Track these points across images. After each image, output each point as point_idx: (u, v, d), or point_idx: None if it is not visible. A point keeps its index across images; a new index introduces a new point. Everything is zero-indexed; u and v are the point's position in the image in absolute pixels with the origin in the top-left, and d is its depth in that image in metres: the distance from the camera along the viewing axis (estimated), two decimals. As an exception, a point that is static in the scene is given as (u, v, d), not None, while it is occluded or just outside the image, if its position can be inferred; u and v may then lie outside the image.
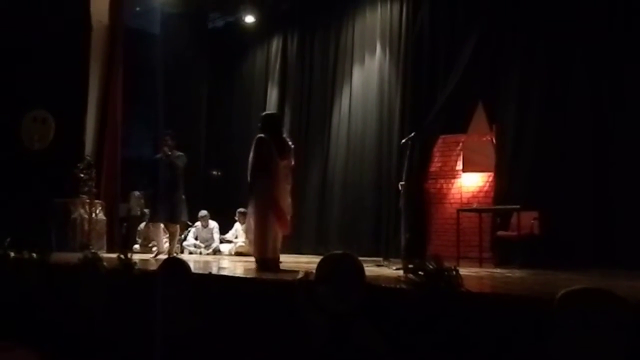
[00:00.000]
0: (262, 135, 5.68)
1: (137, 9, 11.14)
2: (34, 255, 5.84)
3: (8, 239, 6.63)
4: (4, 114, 9.28)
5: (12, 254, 6.34)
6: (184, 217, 8.04)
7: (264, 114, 6.10)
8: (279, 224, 5.57)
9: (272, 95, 11.29)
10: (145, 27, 11.39)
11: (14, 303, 5.84)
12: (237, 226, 9.67)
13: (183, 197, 7.84)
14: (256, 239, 5.61)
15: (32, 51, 9.34)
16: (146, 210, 9.05)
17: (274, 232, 5.55)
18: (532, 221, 7.11)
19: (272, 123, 5.86)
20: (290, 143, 5.86)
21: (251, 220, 5.71)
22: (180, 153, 7.88)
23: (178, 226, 8.02)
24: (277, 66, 11.29)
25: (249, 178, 5.69)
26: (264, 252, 5.55)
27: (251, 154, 5.67)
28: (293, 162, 5.83)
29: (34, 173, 8.87)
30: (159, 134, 8.06)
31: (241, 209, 9.60)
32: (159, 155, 7.88)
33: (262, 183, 5.54)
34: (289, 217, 5.67)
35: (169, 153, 7.75)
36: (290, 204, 5.74)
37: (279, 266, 5.52)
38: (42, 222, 8.48)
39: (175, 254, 8.05)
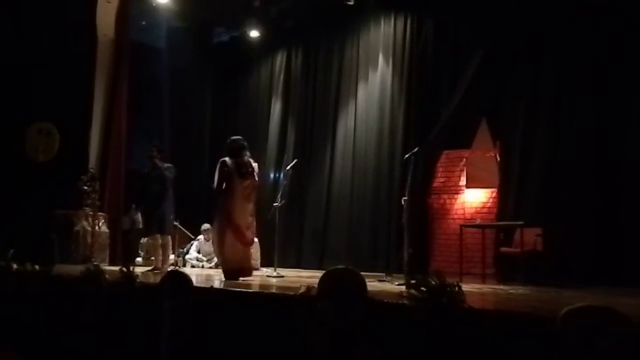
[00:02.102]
0: (224, 158, 6.24)
1: (143, 23, 11.23)
2: (37, 267, 5.84)
3: (11, 251, 6.64)
4: (9, 126, 9.31)
5: (15, 266, 6.34)
6: (171, 227, 7.97)
7: (229, 139, 6.60)
8: (237, 238, 6.12)
9: (276, 109, 11.34)
10: (150, 41, 11.47)
11: (16, 314, 5.83)
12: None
13: (172, 208, 7.83)
14: (219, 252, 6.34)
15: (38, 64, 9.39)
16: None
17: (233, 245, 6.11)
18: (536, 238, 7.09)
19: (236, 147, 6.38)
20: (254, 165, 6.40)
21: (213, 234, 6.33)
22: (169, 165, 7.80)
23: (169, 237, 7.92)
24: (281, 81, 11.35)
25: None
26: (225, 263, 6.19)
27: (215, 175, 6.24)
28: (257, 181, 6.43)
29: (38, 185, 8.88)
30: (157, 148, 8.01)
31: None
32: (147, 169, 7.87)
33: (221, 201, 6.18)
34: (248, 231, 6.22)
35: (159, 165, 7.70)
36: (252, 219, 6.33)
37: (244, 274, 6.11)
38: (45, 234, 8.48)
39: (177, 267, 8.04)
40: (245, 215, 6.22)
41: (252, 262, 9.14)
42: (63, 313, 5.02)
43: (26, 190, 8.83)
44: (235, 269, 6.07)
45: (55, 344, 4.91)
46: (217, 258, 6.54)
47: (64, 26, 9.37)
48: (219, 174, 6.19)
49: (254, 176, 6.34)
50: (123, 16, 10.13)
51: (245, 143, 6.53)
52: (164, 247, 7.85)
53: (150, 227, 7.87)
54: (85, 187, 8.75)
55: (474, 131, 8.45)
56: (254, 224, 6.43)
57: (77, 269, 5.57)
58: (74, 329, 4.64)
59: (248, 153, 6.46)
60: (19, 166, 9.26)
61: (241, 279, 5.98)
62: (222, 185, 6.15)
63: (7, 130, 9.29)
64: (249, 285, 5.53)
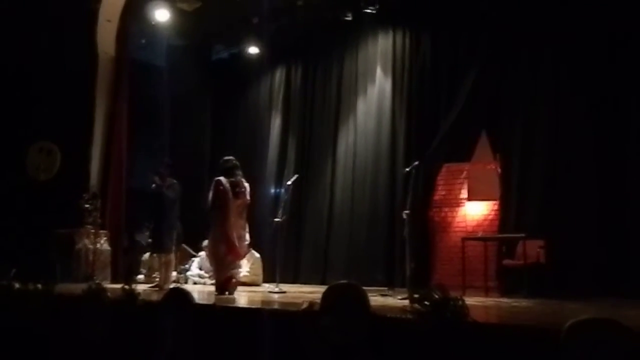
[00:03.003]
0: (218, 178, 6.57)
1: (143, 41, 11.30)
2: (39, 286, 5.82)
3: (13, 270, 6.63)
4: (10, 145, 9.34)
5: (17, 285, 6.33)
6: (170, 246, 7.81)
7: (222, 159, 6.92)
8: (230, 253, 6.45)
9: (275, 125, 11.37)
10: (150, 59, 11.54)
11: (18, 334, 5.81)
12: (242, 256, 9.62)
13: (174, 226, 7.77)
14: (214, 267, 6.71)
15: (39, 82, 9.45)
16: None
17: (227, 260, 6.45)
18: (538, 250, 7.06)
19: (228, 167, 6.71)
20: (245, 184, 6.71)
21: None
22: (174, 182, 7.74)
23: (171, 256, 7.80)
24: (281, 96, 11.39)
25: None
26: (218, 277, 6.56)
27: (209, 194, 6.54)
28: (249, 200, 6.74)
29: (39, 204, 8.89)
30: (164, 163, 8.01)
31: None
32: (153, 186, 7.86)
33: (215, 218, 6.50)
34: (242, 247, 6.57)
35: (160, 183, 7.66)
36: (245, 235, 6.67)
37: (234, 288, 6.51)
38: (47, 252, 8.46)
39: (178, 284, 8.02)
40: (238, 230, 6.54)
41: (255, 277, 9.19)
42: (65, 332, 5.00)
43: (27, 209, 8.84)
44: (227, 282, 6.44)
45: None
46: (212, 272, 6.99)
47: (64, 45, 9.43)
48: (214, 192, 6.49)
49: (245, 195, 6.68)
50: (123, 34, 10.20)
51: (238, 163, 6.82)
52: (164, 265, 7.79)
53: (151, 244, 7.85)
54: (87, 206, 8.76)
55: (474, 144, 8.46)
56: (247, 238, 6.75)
57: (79, 287, 5.55)
58: (76, 347, 4.62)
59: (240, 172, 6.76)
60: (20, 185, 9.28)
61: (227, 292, 6.38)
62: (217, 204, 6.45)
63: (8, 149, 9.32)
64: (251, 301, 5.52)
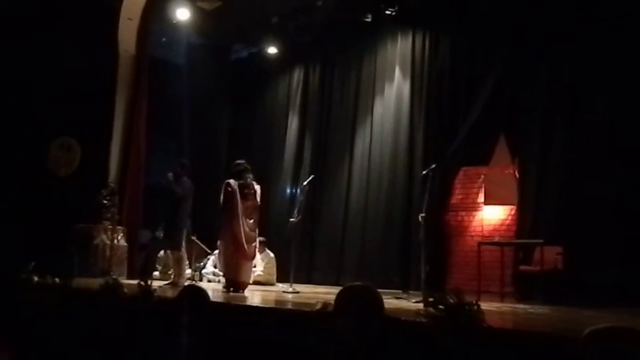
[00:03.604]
0: (228, 180, 6.82)
1: (163, 39, 11.40)
2: (57, 279, 5.89)
3: (32, 264, 6.72)
4: (31, 141, 9.46)
5: (36, 278, 6.41)
6: (178, 242, 7.81)
7: (234, 162, 7.22)
8: (239, 253, 6.67)
9: (293, 125, 11.39)
10: (169, 57, 11.63)
11: (36, 327, 5.88)
12: (257, 255, 9.64)
13: (184, 223, 7.76)
14: (225, 267, 6.90)
15: (60, 79, 9.55)
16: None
17: (236, 259, 6.69)
18: (556, 256, 6.99)
19: (239, 170, 6.95)
20: (256, 186, 6.97)
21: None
22: (185, 180, 7.76)
23: (182, 252, 7.79)
24: (299, 97, 11.42)
25: None
26: (229, 275, 6.80)
27: (221, 196, 6.78)
28: (259, 202, 7.01)
29: (58, 199, 8.98)
30: (181, 162, 8.07)
31: (260, 238, 9.56)
32: (163, 182, 7.92)
33: (225, 219, 6.76)
34: (250, 247, 6.78)
35: (171, 180, 7.72)
36: (255, 236, 6.93)
37: (244, 287, 6.73)
38: (65, 247, 8.55)
39: (193, 282, 8.06)
40: (248, 232, 6.79)
41: (269, 277, 9.21)
42: (81, 326, 5.05)
43: (47, 204, 8.94)
44: (237, 281, 6.69)
45: (74, 356, 4.94)
46: (222, 271, 7.16)
47: (86, 42, 9.52)
48: (224, 194, 6.76)
49: (255, 197, 6.94)
50: (144, 33, 10.28)
51: (249, 166, 7.06)
52: (175, 262, 7.84)
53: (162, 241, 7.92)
54: (105, 201, 8.84)
55: (492, 148, 8.39)
56: (256, 239, 7.04)
57: (96, 282, 5.62)
58: (92, 341, 4.66)
59: (251, 175, 7.00)
60: (41, 180, 9.38)
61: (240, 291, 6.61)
62: (227, 205, 6.70)
63: (30, 145, 9.43)
64: (265, 301, 5.53)
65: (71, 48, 9.53)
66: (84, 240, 8.84)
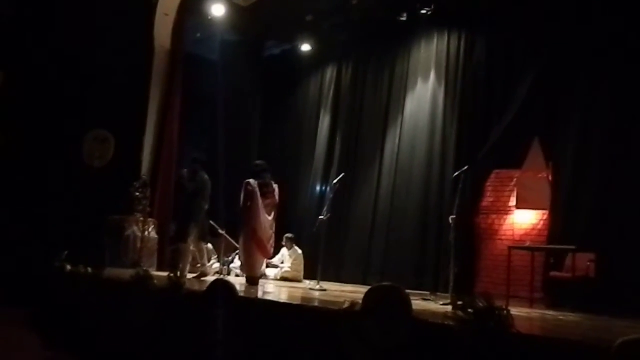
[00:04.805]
0: (249, 180, 7.09)
1: (198, 35, 11.51)
2: (89, 269, 6.02)
3: (65, 253, 6.88)
4: (68, 133, 9.66)
5: (69, 267, 6.55)
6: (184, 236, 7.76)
7: (254, 162, 7.64)
8: (259, 250, 7.05)
9: (324, 122, 11.40)
10: (204, 53, 11.74)
11: (68, 315, 6.01)
12: (284, 251, 9.70)
13: (195, 218, 7.71)
14: (244, 261, 7.23)
15: (96, 73, 9.74)
16: None
17: (257, 256, 7.08)
18: (588, 263, 6.85)
19: (259, 170, 7.30)
20: (274, 186, 7.32)
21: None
22: (203, 176, 7.73)
23: (185, 246, 7.66)
24: (331, 94, 11.41)
25: None
26: (250, 271, 7.12)
27: (241, 194, 7.07)
28: (277, 200, 7.33)
29: (92, 190, 9.17)
30: (194, 158, 8.18)
31: (288, 235, 9.64)
32: (177, 177, 8.10)
33: (245, 217, 7.05)
34: (268, 244, 7.17)
35: (184, 176, 7.82)
36: (272, 234, 7.27)
37: (257, 282, 7.10)
38: (98, 237, 8.72)
39: (222, 276, 8.13)
40: (267, 229, 7.15)
41: (296, 273, 9.25)
42: (111, 315, 5.15)
43: (82, 194, 9.13)
44: (257, 277, 7.11)
45: (102, 344, 5.03)
46: (243, 266, 7.45)
47: (122, 37, 9.68)
48: (244, 193, 7.04)
49: (274, 196, 7.28)
50: (179, 28, 10.41)
51: (268, 166, 7.43)
52: (180, 255, 7.74)
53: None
54: (137, 194, 8.99)
55: (525, 151, 8.26)
56: (274, 237, 7.39)
57: (127, 273, 5.71)
58: (121, 331, 4.75)
59: (270, 175, 7.34)
60: (76, 171, 9.59)
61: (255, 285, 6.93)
62: (247, 203, 6.99)
63: (66, 137, 9.64)
64: (292, 298, 5.55)
65: (107, 42, 9.69)
66: (116, 231, 9.00)
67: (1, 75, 9.44)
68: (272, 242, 7.31)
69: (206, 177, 7.80)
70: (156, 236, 9.35)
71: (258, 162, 7.60)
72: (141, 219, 8.99)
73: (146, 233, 8.98)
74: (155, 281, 4.78)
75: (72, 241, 7.53)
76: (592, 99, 7.65)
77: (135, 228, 9.05)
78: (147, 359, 4.21)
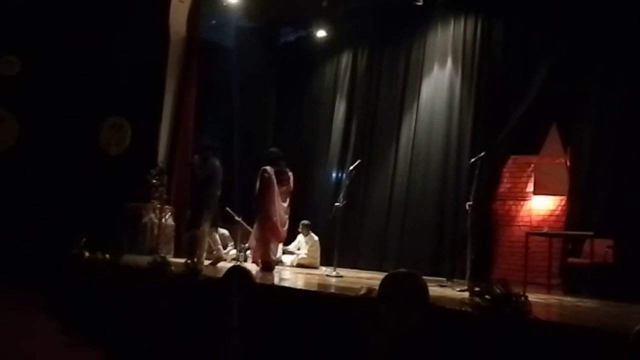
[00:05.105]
0: (265, 167, 7.19)
1: (213, 22, 11.49)
2: (107, 256, 6.08)
3: (83, 239, 6.95)
4: (85, 120, 9.73)
5: (87, 254, 6.63)
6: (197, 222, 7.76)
7: (269, 150, 7.72)
8: (273, 235, 7.18)
9: (340, 109, 11.36)
10: (219, 40, 11.74)
11: (86, 300, 6.09)
12: (300, 238, 9.72)
13: (206, 204, 7.68)
14: (258, 246, 7.28)
15: (112, 60, 9.78)
16: None
17: (271, 241, 7.19)
18: (606, 249, 6.79)
19: (274, 158, 7.41)
20: (289, 173, 7.45)
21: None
22: (214, 164, 7.70)
23: (199, 232, 7.65)
24: (346, 81, 11.36)
25: None
26: (264, 256, 7.17)
27: (257, 181, 7.18)
28: (292, 187, 7.49)
29: (109, 177, 9.25)
30: (206, 145, 8.15)
31: (304, 221, 9.65)
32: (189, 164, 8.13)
33: (261, 203, 7.16)
34: (282, 229, 7.32)
35: (195, 163, 7.82)
36: (287, 218, 7.43)
37: (272, 267, 7.16)
38: (115, 224, 8.80)
39: (239, 262, 8.18)
40: (282, 215, 7.28)
41: (312, 260, 9.28)
42: (129, 302, 5.20)
43: (99, 182, 9.21)
44: (270, 261, 7.17)
45: (120, 330, 5.09)
46: (256, 251, 7.45)
47: (138, 25, 9.70)
48: (260, 179, 7.14)
49: (289, 183, 7.44)
50: (195, 15, 10.41)
51: (282, 154, 7.51)
52: (194, 241, 7.78)
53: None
54: (154, 181, 9.05)
55: (543, 136, 8.18)
56: (288, 222, 7.52)
57: (144, 259, 5.76)
58: (138, 317, 4.79)
59: (284, 162, 7.45)
60: (93, 158, 9.67)
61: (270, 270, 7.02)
62: (263, 190, 7.12)
63: (83, 124, 9.72)
64: (308, 284, 5.57)
65: (123, 29, 9.72)
66: (133, 218, 9.09)
67: (18, 63, 9.51)
68: (286, 226, 7.45)
69: (217, 163, 7.75)
70: (173, 223, 9.42)
71: (273, 149, 7.67)
72: (158, 206, 9.06)
73: (163, 220, 9.04)
74: (173, 268, 4.81)
75: (90, 228, 7.62)
76: (609, 83, 7.55)
77: (152, 215, 9.12)
78: (165, 344, 4.25)
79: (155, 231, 8.94)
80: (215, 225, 8.15)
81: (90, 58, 9.75)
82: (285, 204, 7.41)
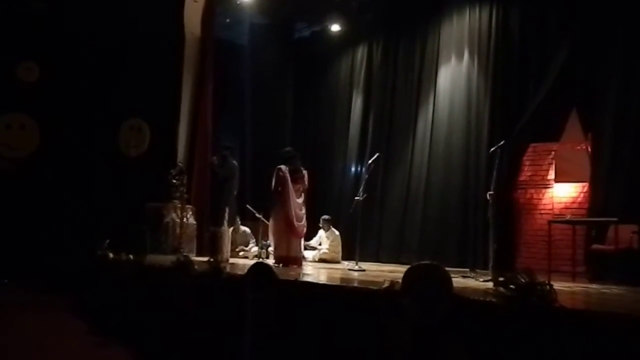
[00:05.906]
0: (280, 166, 7.36)
1: (227, 20, 11.53)
2: (131, 256, 6.14)
3: (107, 241, 7.04)
4: (104, 123, 9.83)
5: (111, 255, 6.71)
6: (219, 220, 8.20)
7: (283, 149, 7.81)
8: (290, 231, 7.31)
9: (357, 103, 11.34)
10: (233, 38, 11.78)
11: (111, 301, 6.17)
12: (321, 233, 9.74)
13: (227, 202, 8.17)
14: (275, 243, 7.45)
15: (129, 62, 9.86)
16: None
17: (287, 237, 7.33)
18: (631, 235, 6.69)
19: (289, 157, 7.56)
20: (304, 172, 7.57)
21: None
22: (232, 163, 8.23)
23: (222, 229, 8.15)
24: (362, 74, 11.33)
25: None
26: (282, 252, 7.33)
27: (273, 180, 7.35)
28: (307, 185, 7.61)
29: (130, 178, 9.35)
30: (224, 146, 8.55)
31: (325, 216, 9.66)
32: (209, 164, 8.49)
33: (277, 201, 7.34)
34: (299, 224, 7.39)
35: (215, 163, 8.27)
36: (303, 215, 7.53)
37: (294, 262, 7.30)
38: (138, 225, 8.90)
39: (261, 259, 8.23)
40: (297, 211, 7.40)
41: (334, 254, 9.29)
42: (154, 301, 5.26)
43: (120, 183, 9.32)
44: (286, 257, 7.29)
45: (147, 330, 5.15)
46: (273, 248, 7.63)
47: (153, 25, 9.76)
48: (276, 178, 7.32)
49: (304, 181, 7.58)
50: (209, 14, 10.44)
51: (297, 153, 7.67)
52: (218, 239, 8.15)
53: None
54: (174, 181, 9.12)
55: (563, 123, 8.07)
56: (305, 218, 7.60)
57: (168, 259, 5.82)
58: (164, 316, 4.85)
59: (299, 162, 7.62)
60: (113, 160, 9.77)
61: (292, 266, 7.15)
62: (278, 188, 7.28)
63: (102, 127, 9.82)
64: (331, 279, 5.58)
65: (138, 31, 9.79)
66: (155, 218, 9.16)
67: (36, 69, 9.63)
68: (303, 221, 7.55)
69: (235, 163, 8.26)
70: (194, 222, 9.49)
71: (287, 149, 7.85)
72: (179, 205, 9.13)
73: (184, 219, 9.11)
74: (196, 266, 4.85)
75: (113, 230, 7.72)
76: (629, 67, 7.42)
77: (173, 214, 9.19)
78: (190, 341, 4.30)
79: (178, 230, 9.01)
80: (232, 223, 8.42)
81: (106, 61, 9.84)
82: (300, 200, 7.56)
